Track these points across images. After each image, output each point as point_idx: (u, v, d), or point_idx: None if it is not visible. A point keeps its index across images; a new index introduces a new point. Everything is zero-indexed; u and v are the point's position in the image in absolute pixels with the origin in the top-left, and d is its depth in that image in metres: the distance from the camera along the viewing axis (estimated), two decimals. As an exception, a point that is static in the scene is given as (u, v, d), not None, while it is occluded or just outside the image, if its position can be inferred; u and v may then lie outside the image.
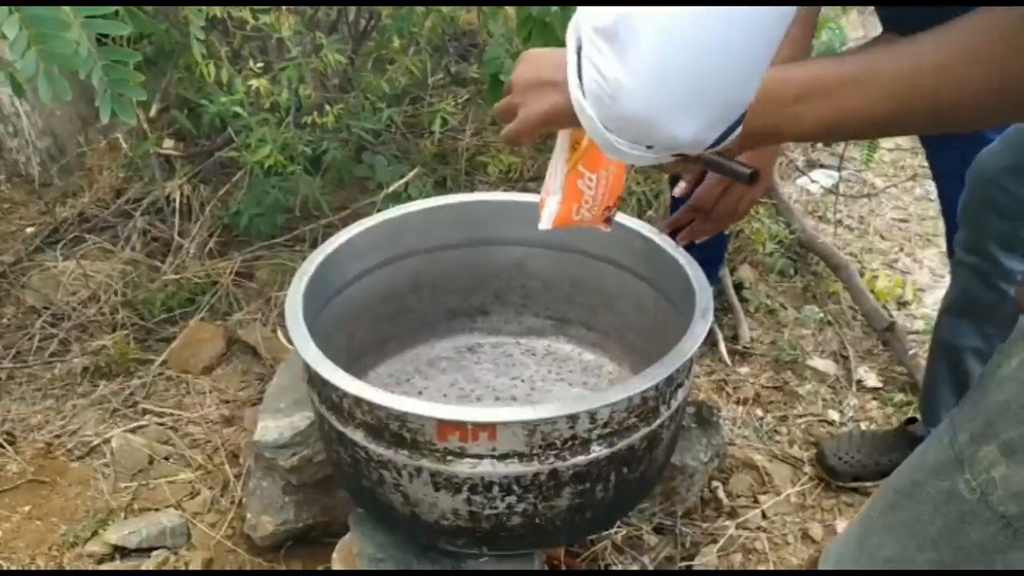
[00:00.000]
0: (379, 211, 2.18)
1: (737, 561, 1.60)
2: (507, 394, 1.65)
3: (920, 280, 2.40)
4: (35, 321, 2.17)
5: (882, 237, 2.61)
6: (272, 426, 1.56)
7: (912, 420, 1.79)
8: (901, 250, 2.52)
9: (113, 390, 2.00)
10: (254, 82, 1.92)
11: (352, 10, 2.58)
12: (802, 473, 1.79)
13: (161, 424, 1.92)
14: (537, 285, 1.73)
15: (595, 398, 1.18)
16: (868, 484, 1.74)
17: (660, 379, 1.20)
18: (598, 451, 1.21)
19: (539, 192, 1.19)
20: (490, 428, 1.15)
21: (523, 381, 1.68)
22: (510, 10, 2.88)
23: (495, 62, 2.48)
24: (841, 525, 1.68)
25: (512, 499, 1.22)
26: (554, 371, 1.70)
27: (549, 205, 1.14)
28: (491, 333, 1.77)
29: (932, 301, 2.25)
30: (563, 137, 1.07)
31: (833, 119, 0.79)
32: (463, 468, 1.19)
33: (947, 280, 2.37)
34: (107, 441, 1.86)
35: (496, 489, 1.21)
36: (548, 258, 1.69)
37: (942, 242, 2.55)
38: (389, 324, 1.68)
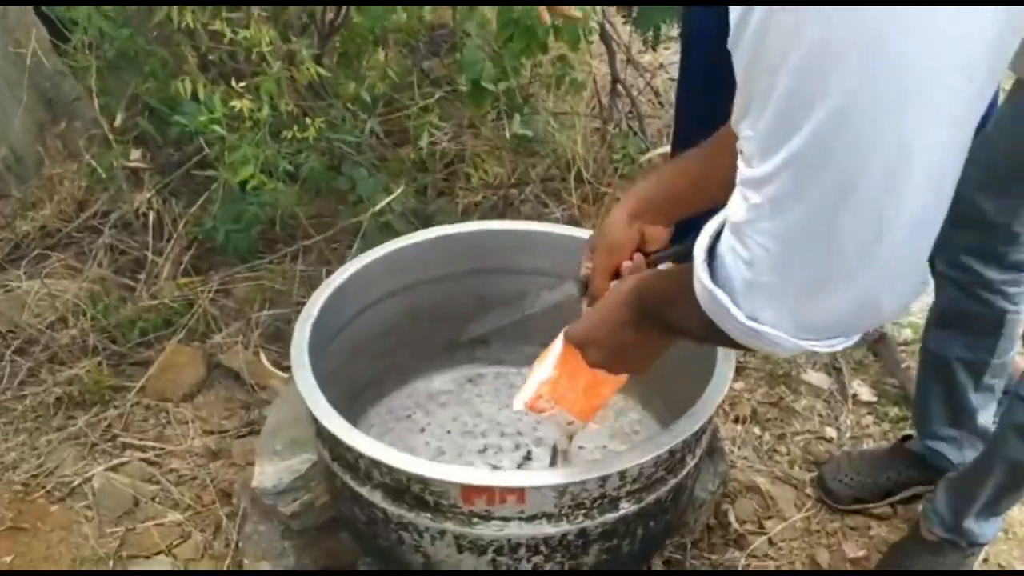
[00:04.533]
0: (366, 230, 2.14)
1: (746, 589, 1.59)
2: (511, 428, 1.61)
3: (906, 286, 2.40)
4: (1, 348, 2.06)
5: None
6: (270, 471, 1.50)
7: (907, 437, 1.79)
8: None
9: (89, 422, 1.91)
10: (236, 103, 1.82)
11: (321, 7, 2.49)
12: (805, 496, 1.77)
13: (144, 459, 1.83)
14: (538, 313, 1.67)
15: (625, 456, 1.14)
16: (870, 505, 1.74)
17: (689, 433, 1.16)
18: (627, 508, 1.18)
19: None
20: (518, 492, 1.11)
21: (527, 414, 1.63)
22: (486, 10, 2.81)
23: (475, 67, 2.42)
24: (847, 549, 1.67)
25: (539, 559, 1.18)
26: (559, 403, 1.66)
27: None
28: (492, 363, 1.72)
29: (918, 308, 2.24)
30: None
31: None
32: (489, 531, 1.14)
33: (931, 288, 2.39)
34: (88, 480, 1.77)
35: (523, 550, 1.17)
36: (550, 286, 1.64)
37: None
38: (389, 358, 1.62)
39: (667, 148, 2.47)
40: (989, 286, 1.54)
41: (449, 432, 1.59)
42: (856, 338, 0.75)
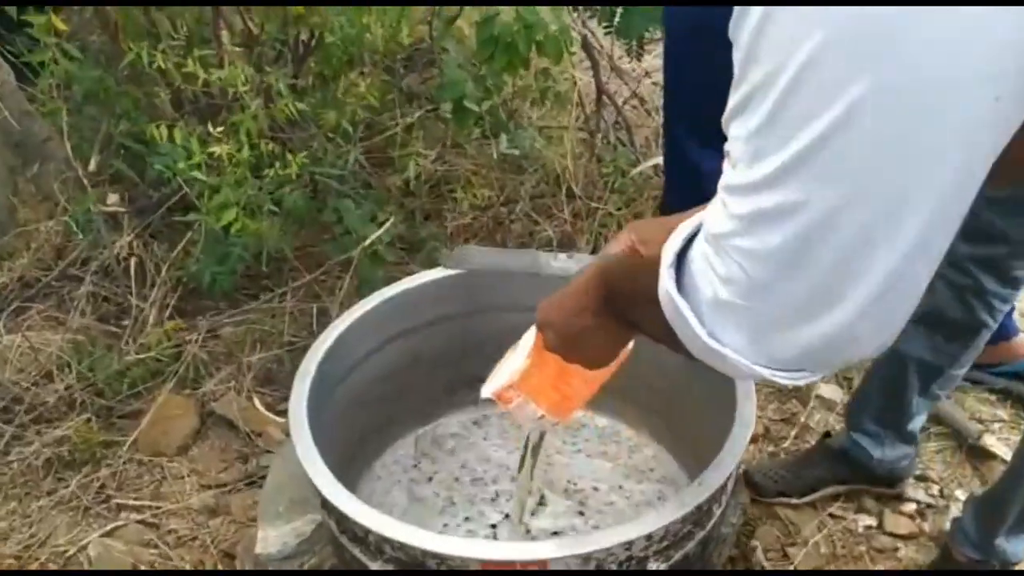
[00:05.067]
0: (357, 265, 2.07)
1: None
2: (523, 472, 1.54)
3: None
4: (-16, 409, 1.98)
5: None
6: (273, 536, 1.43)
7: (828, 435, 1.81)
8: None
9: (81, 483, 1.84)
10: (216, 148, 1.75)
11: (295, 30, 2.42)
12: (828, 518, 1.72)
13: (140, 521, 1.76)
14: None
15: (651, 519, 1.08)
16: (793, 500, 1.72)
17: (717, 486, 1.11)
18: (655, 566, 1.12)
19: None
20: (541, 563, 1.05)
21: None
22: (464, 28, 2.74)
23: (456, 87, 2.35)
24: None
25: (565, 625, 1.12)
26: (568, 441, 1.60)
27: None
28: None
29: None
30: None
31: None
32: (512, 602, 1.08)
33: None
34: (83, 549, 1.70)
35: (549, 618, 1.11)
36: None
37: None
38: (390, 406, 1.56)
39: (658, 159, 2.41)
40: (981, 295, 1.51)
41: (458, 480, 1.53)
42: (823, 374, 0.69)
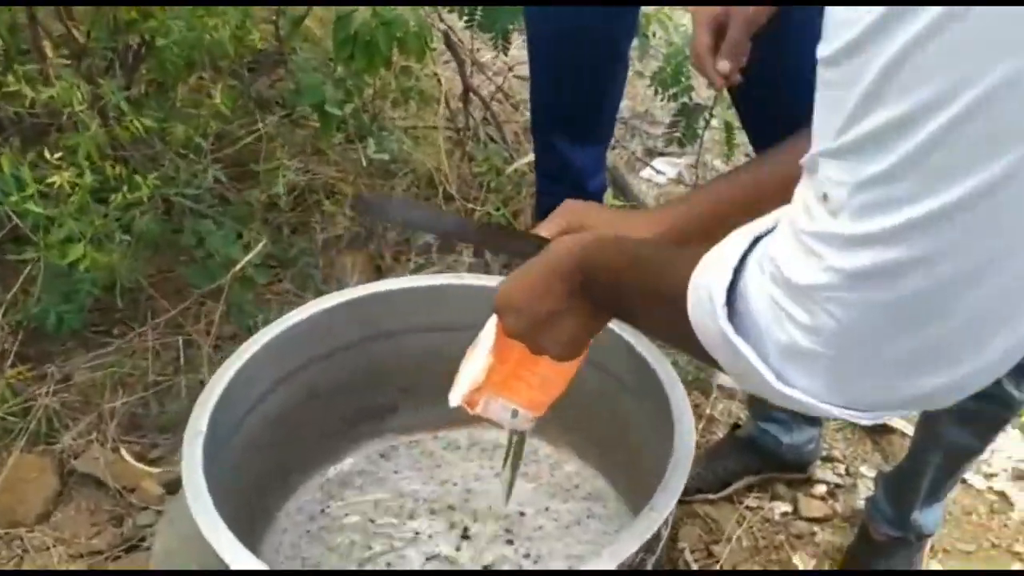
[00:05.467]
0: (228, 293, 1.90)
1: (711, 630, 1.50)
2: (440, 503, 1.44)
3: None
4: None
5: (735, 222, 2.58)
6: (173, 611, 1.27)
7: (736, 426, 1.80)
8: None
9: (-76, 571, 1.60)
10: (56, 178, 1.54)
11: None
12: (746, 510, 1.71)
13: (3, 607, 1.55)
14: (446, 371, 1.51)
15: (609, 557, 1.00)
16: (710, 496, 1.71)
17: (670, 510, 1.04)
18: (610, 601, 1.04)
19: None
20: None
21: (455, 484, 1.47)
22: (315, 28, 2.58)
23: (315, 91, 2.21)
24: (796, 560, 1.62)
25: None
26: (485, 465, 1.51)
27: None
28: (402, 432, 1.54)
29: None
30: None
31: None
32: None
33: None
34: (-64, 649, 1.47)
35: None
36: (456, 340, 1.48)
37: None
38: (286, 450, 1.42)
39: (532, 157, 2.34)
40: None
41: (373, 521, 1.41)
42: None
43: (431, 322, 1.43)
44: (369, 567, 1.33)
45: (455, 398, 1.03)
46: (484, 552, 1.35)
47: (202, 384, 1.96)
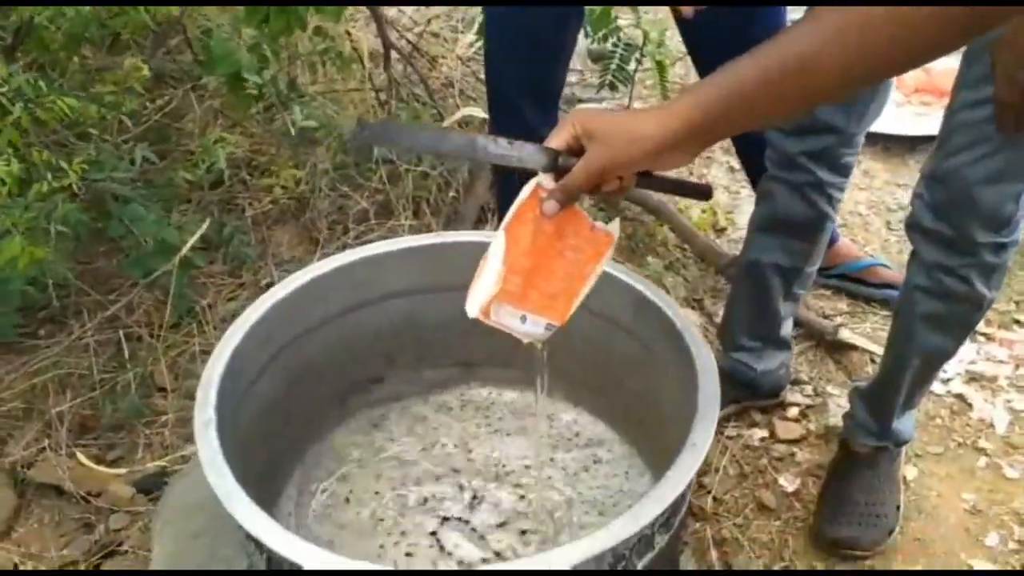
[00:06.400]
0: (178, 279, 1.80)
1: (715, 557, 1.54)
2: (444, 468, 1.41)
3: (722, 202, 2.44)
4: None
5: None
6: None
7: None
8: (691, 174, 2.54)
9: None
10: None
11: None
12: (727, 440, 1.75)
13: (-22, 635, 1.44)
14: (430, 334, 1.47)
15: (620, 527, 0.95)
16: None
17: (688, 481, 1.02)
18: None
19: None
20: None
21: (455, 445, 1.45)
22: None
23: (229, 59, 2.10)
24: (782, 482, 1.67)
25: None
26: (481, 422, 1.49)
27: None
28: (391, 400, 1.50)
29: (745, 221, 2.29)
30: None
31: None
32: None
33: (745, 196, 2.45)
34: None
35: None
36: (438, 302, 1.44)
37: (722, 158, 2.62)
38: (284, 429, 1.36)
39: (469, 110, 2.30)
40: (819, 187, 1.59)
41: (378, 494, 1.36)
42: None
43: (407, 286, 1.39)
44: (384, 540, 1.29)
45: (472, 309, 1.01)
46: (498, 508, 1.33)
47: (152, 377, 1.87)
